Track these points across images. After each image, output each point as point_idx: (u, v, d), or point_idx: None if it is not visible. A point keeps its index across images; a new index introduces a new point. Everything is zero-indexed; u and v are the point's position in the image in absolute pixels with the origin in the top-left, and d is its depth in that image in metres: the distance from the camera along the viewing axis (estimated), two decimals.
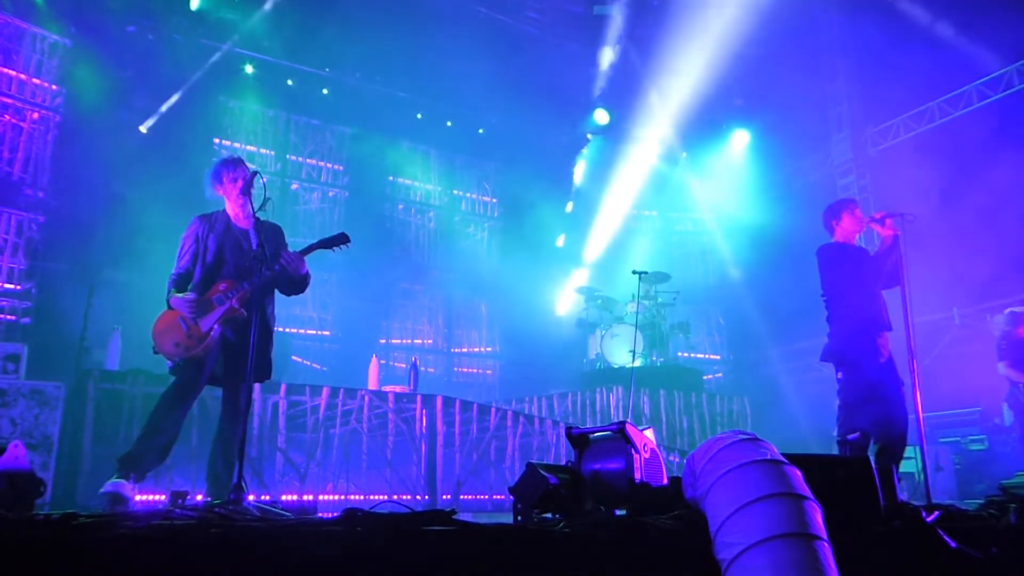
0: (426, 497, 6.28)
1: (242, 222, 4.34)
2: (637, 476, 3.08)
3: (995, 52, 9.26)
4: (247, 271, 4.19)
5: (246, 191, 4.21)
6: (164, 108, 8.76)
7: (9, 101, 8.03)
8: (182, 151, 8.61)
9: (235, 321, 4.14)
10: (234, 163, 4.33)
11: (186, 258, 4.24)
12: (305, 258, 4.23)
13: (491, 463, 6.84)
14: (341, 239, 4.30)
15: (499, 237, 12.09)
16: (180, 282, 4.20)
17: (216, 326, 4.07)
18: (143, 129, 8.53)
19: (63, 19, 8.29)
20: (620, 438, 3.20)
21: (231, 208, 4.36)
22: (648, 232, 12.89)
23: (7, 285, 7.81)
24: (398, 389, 6.75)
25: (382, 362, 7.75)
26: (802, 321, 9.32)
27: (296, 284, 4.31)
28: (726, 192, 12.08)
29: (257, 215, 4.12)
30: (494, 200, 12.21)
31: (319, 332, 10.25)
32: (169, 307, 4.12)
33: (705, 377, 10.42)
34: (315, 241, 4.34)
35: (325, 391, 6.07)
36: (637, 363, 8.33)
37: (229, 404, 4.23)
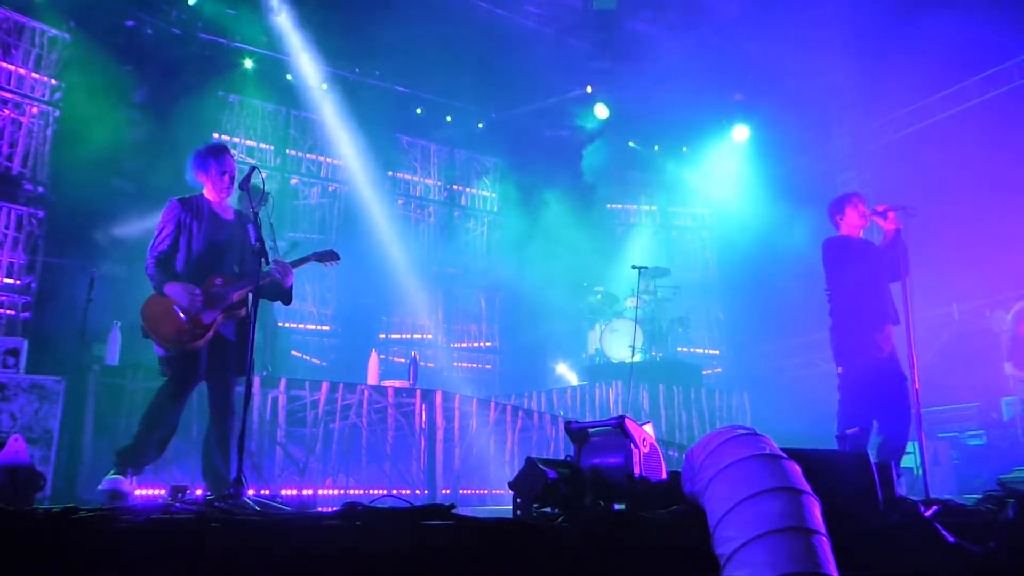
0: (425, 492, 6.30)
1: (224, 211, 4.33)
2: (636, 471, 3.08)
3: (997, 46, 9.24)
4: (242, 265, 4.20)
5: (244, 186, 4.20)
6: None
7: (8, 96, 8.02)
8: (182, 146, 8.59)
9: (233, 317, 4.14)
10: (220, 154, 4.27)
11: (167, 241, 4.13)
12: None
13: (490, 458, 6.84)
14: (330, 256, 4.45)
15: (498, 232, 12.09)
16: (164, 265, 4.09)
17: (219, 319, 4.06)
18: None
19: (62, 13, 8.28)
20: (619, 433, 3.20)
21: (212, 195, 4.30)
22: (648, 227, 12.88)
23: (7, 280, 7.81)
24: (398, 384, 6.75)
25: (382, 357, 7.76)
26: (802, 316, 9.34)
27: (281, 293, 4.28)
28: (726, 187, 12.07)
29: (239, 207, 4.13)
30: (493, 195, 12.20)
31: (319, 327, 10.25)
32: (161, 294, 4.03)
33: (704, 372, 10.43)
34: (309, 254, 4.44)
35: (325, 386, 6.08)
36: (636, 358, 8.34)
37: (218, 398, 4.20)
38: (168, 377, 4.05)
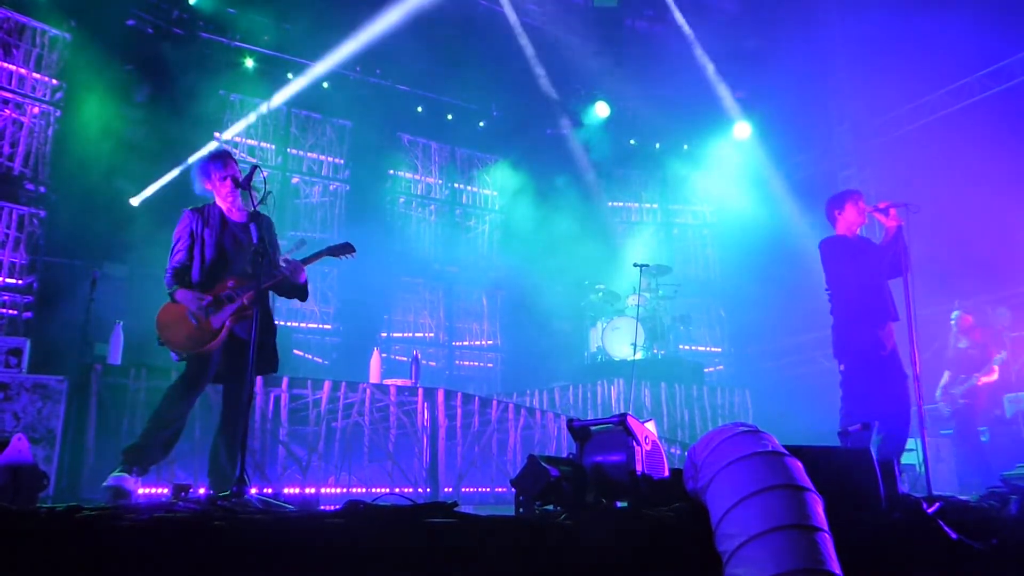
0: (428, 490, 6.30)
1: (236, 215, 4.34)
2: (638, 468, 3.08)
3: (998, 43, 9.22)
4: (252, 266, 4.19)
5: (245, 185, 4.19)
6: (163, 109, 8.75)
7: (9, 96, 8.03)
8: (183, 145, 8.60)
9: (245, 319, 4.14)
10: (223, 160, 4.29)
11: (182, 252, 4.20)
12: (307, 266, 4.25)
13: (493, 456, 6.84)
14: (346, 248, 4.34)
15: (500, 230, 12.09)
16: (180, 275, 4.16)
17: (228, 322, 4.07)
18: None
19: (63, 13, 8.28)
20: (621, 430, 3.20)
21: (222, 202, 4.33)
22: (649, 224, 12.88)
23: (9, 280, 7.82)
24: (400, 382, 6.75)
25: (383, 355, 7.76)
26: (803, 313, 9.33)
27: (295, 290, 4.30)
28: (728, 184, 12.06)
29: (255, 208, 4.11)
30: (494, 193, 12.20)
31: (321, 326, 10.26)
32: (174, 300, 4.08)
33: (706, 370, 10.42)
34: (322, 248, 4.38)
35: (327, 384, 6.08)
36: (638, 356, 8.34)
37: (231, 399, 4.22)
38: (178, 377, 4.07)
